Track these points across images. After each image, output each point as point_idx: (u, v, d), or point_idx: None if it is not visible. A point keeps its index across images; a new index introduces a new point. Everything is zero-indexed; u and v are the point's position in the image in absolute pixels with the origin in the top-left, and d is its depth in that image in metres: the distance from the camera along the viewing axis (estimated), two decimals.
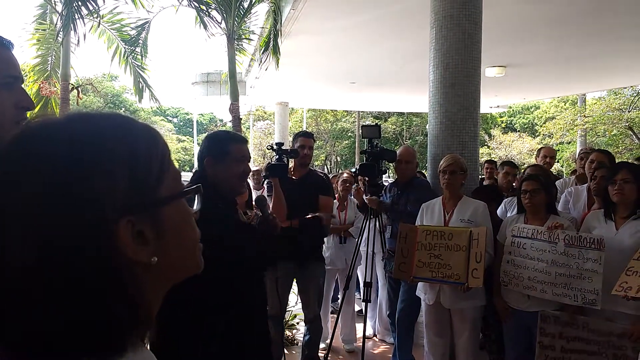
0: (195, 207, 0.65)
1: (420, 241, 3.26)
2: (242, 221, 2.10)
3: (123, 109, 33.67)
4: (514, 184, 5.04)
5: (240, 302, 1.87)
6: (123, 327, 0.53)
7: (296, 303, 4.41)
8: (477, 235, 3.08)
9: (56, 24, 7.21)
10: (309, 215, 3.54)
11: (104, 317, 0.51)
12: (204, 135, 2.43)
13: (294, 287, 3.94)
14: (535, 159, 5.47)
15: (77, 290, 0.50)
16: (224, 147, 2.02)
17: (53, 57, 8.80)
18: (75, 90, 8.20)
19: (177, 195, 0.60)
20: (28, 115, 1.08)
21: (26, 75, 9.07)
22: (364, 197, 3.94)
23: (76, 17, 6.28)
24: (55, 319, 0.50)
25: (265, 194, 4.11)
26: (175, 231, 0.59)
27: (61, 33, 6.70)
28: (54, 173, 0.50)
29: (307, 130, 4.28)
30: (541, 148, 5.77)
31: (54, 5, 7.59)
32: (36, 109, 8.90)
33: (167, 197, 0.58)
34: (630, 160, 17.01)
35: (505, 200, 4.22)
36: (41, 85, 8.47)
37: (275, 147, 3.49)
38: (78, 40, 6.80)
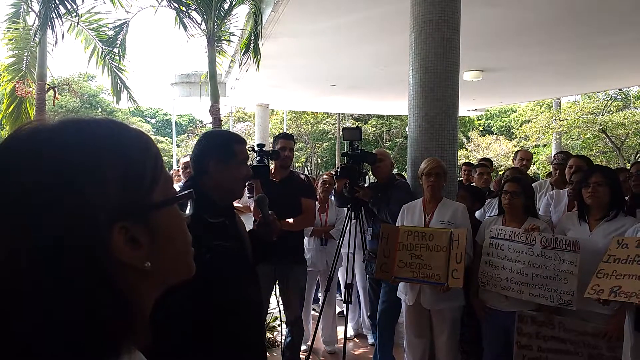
0: (187, 211, 0.66)
1: (401, 242, 3.29)
2: (241, 229, 1.97)
3: (100, 109, 33.12)
4: (490, 186, 5.14)
5: (238, 308, 1.76)
6: (116, 331, 0.53)
7: (277, 305, 4.40)
8: (458, 236, 3.13)
9: (33, 23, 7.07)
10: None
11: (97, 321, 0.51)
12: (196, 136, 2.19)
13: (275, 289, 3.94)
14: (513, 161, 5.58)
15: (69, 295, 0.50)
16: (230, 148, 1.87)
17: (28, 57, 8.62)
18: (51, 91, 8.04)
19: (170, 201, 0.61)
20: None
21: (0, 75, 8.88)
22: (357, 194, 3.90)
23: (54, 16, 6.17)
24: (48, 324, 0.50)
25: (246, 195, 4.10)
26: (168, 236, 0.59)
27: (38, 32, 6.58)
28: (45, 179, 0.50)
29: (288, 132, 4.28)
30: (518, 151, 5.88)
31: (30, 4, 7.45)
32: (10, 109, 8.72)
33: (160, 202, 0.59)
34: (604, 163, 17.43)
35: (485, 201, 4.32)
36: (16, 86, 8.29)
37: (256, 148, 3.49)
38: (56, 40, 6.68)
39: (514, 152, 6.25)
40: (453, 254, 3.12)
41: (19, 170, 0.51)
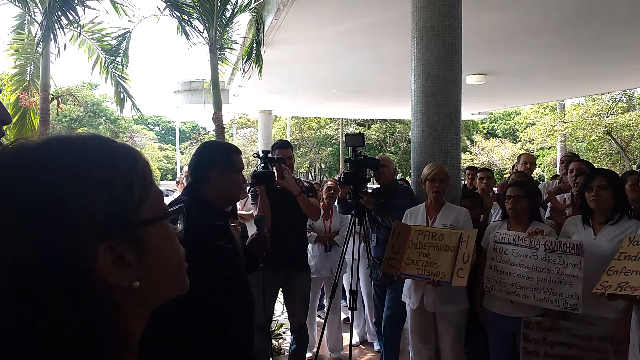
0: (179, 227, 0.64)
1: (411, 240, 3.32)
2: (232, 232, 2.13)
3: (103, 117, 33.27)
4: (494, 188, 5.13)
5: (234, 311, 1.92)
6: (99, 353, 0.52)
7: (282, 312, 4.39)
8: (467, 237, 3.14)
9: (36, 34, 7.13)
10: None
11: (78, 342, 0.50)
12: (199, 144, 2.44)
13: (280, 297, 3.93)
14: (516, 165, 5.56)
15: (51, 319, 0.49)
16: (229, 157, 2.08)
17: (32, 67, 8.69)
18: (55, 100, 8.09)
19: (158, 218, 0.59)
20: (4, 129, 1.06)
21: (4, 85, 8.95)
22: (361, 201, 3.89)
23: (56, 27, 6.22)
24: (25, 345, 0.49)
25: (249, 202, 4.09)
26: (158, 253, 0.58)
27: (41, 43, 6.63)
28: (27, 202, 0.50)
29: (285, 140, 4.27)
30: (521, 155, 5.86)
31: (33, 15, 7.51)
32: (14, 119, 8.78)
33: (148, 220, 0.57)
34: (609, 165, 17.32)
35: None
36: (20, 96, 8.35)
37: (261, 154, 3.50)
38: (58, 51, 6.76)
39: (517, 156, 6.23)
40: (460, 254, 3.12)
41: (2, 190, 0.51)
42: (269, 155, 3.53)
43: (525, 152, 14.00)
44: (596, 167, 4.11)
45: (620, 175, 3.48)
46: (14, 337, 0.49)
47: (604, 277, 2.54)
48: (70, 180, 0.52)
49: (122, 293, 0.54)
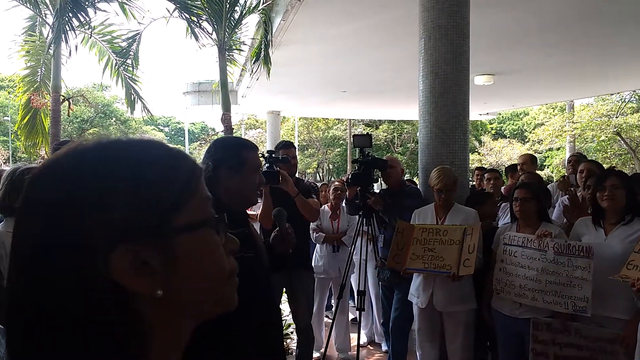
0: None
1: (416, 237, 3.37)
2: (254, 234, 1.96)
3: (114, 118, 33.46)
4: (501, 189, 5.12)
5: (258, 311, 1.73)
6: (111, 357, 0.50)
7: (290, 312, 4.40)
8: (472, 230, 3.18)
9: (47, 36, 7.21)
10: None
11: (80, 345, 0.49)
12: (208, 145, 2.11)
13: (285, 297, 3.94)
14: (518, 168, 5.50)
15: (50, 317, 0.49)
16: (241, 155, 1.84)
17: (43, 69, 8.78)
18: (66, 102, 8.18)
19: (196, 225, 0.55)
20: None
21: (16, 86, 9.04)
22: (369, 201, 3.90)
23: (67, 28, 6.29)
24: (34, 344, 0.48)
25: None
26: (192, 263, 0.54)
27: (52, 45, 6.70)
28: (50, 199, 0.51)
29: (288, 140, 4.28)
30: (521, 156, 5.80)
31: (44, 17, 7.60)
32: (25, 120, 8.88)
33: (183, 226, 0.54)
34: (619, 166, 17.17)
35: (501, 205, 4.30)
36: (32, 97, 8.44)
37: (266, 154, 3.52)
38: (69, 52, 6.81)
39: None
40: (466, 246, 3.16)
41: (37, 188, 0.52)
42: (274, 155, 3.55)
43: (526, 152, 13.91)
44: (605, 167, 4.08)
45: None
46: (15, 336, 0.49)
47: (623, 271, 2.53)
48: (90, 184, 0.51)
49: (145, 302, 0.52)
